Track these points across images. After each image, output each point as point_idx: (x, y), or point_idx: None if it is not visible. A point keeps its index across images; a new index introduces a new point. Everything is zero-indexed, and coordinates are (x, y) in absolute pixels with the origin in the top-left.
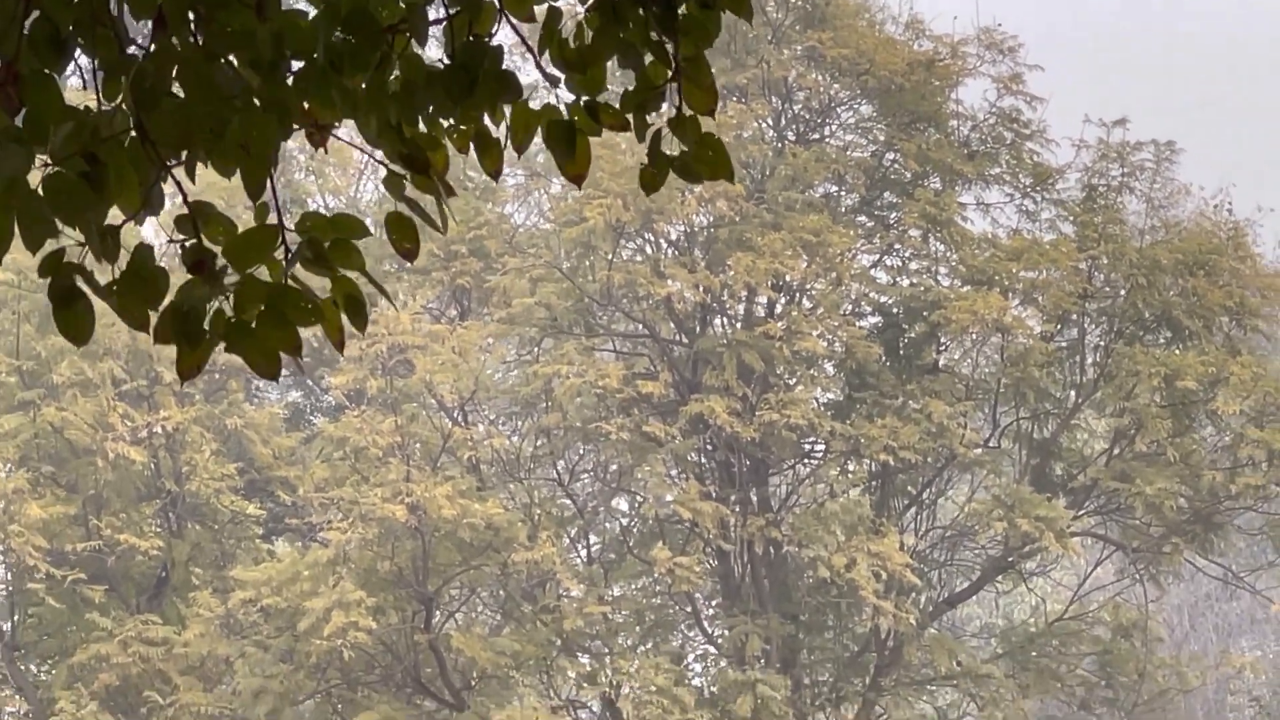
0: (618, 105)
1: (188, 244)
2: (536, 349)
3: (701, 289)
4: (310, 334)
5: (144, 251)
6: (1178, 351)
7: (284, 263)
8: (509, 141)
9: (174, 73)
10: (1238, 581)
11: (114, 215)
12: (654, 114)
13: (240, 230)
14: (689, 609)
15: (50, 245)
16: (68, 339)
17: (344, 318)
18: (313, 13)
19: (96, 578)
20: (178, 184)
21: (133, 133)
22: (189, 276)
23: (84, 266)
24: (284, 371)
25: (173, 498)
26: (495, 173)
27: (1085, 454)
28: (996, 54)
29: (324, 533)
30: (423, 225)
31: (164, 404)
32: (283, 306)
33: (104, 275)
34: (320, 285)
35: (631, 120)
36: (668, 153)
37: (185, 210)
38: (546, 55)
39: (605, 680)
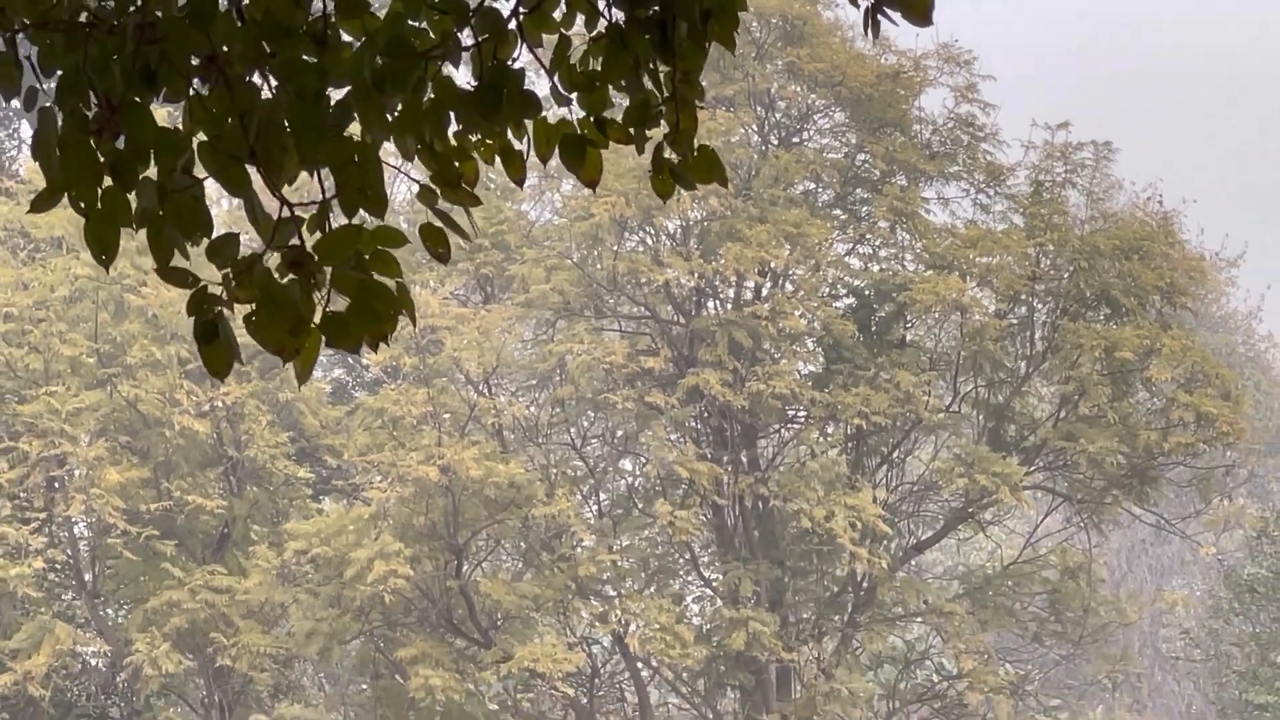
0: (620, 119)
1: (289, 246)
2: (551, 329)
3: (696, 275)
4: None
5: (269, 278)
6: (1116, 326)
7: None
8: (531, 152)
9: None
10: (1169, 528)
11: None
12: (652, 128)
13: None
14: (688, 556)
15: (183, 269)
16: (211, 372)
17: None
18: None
19: (167, 534)
20: (279, 196)
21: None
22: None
23: (223, 300)
24: (328, 352)
25: (233, 463)
26: (520, 181)
27: (1035, 417)
28: (954, 66)
29: (366, 492)
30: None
31: (224, 380)
32: (370, 299)
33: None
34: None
35: (633, 134)
36: (670, 159)
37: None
38: (558, 76)
39: (615, 619)
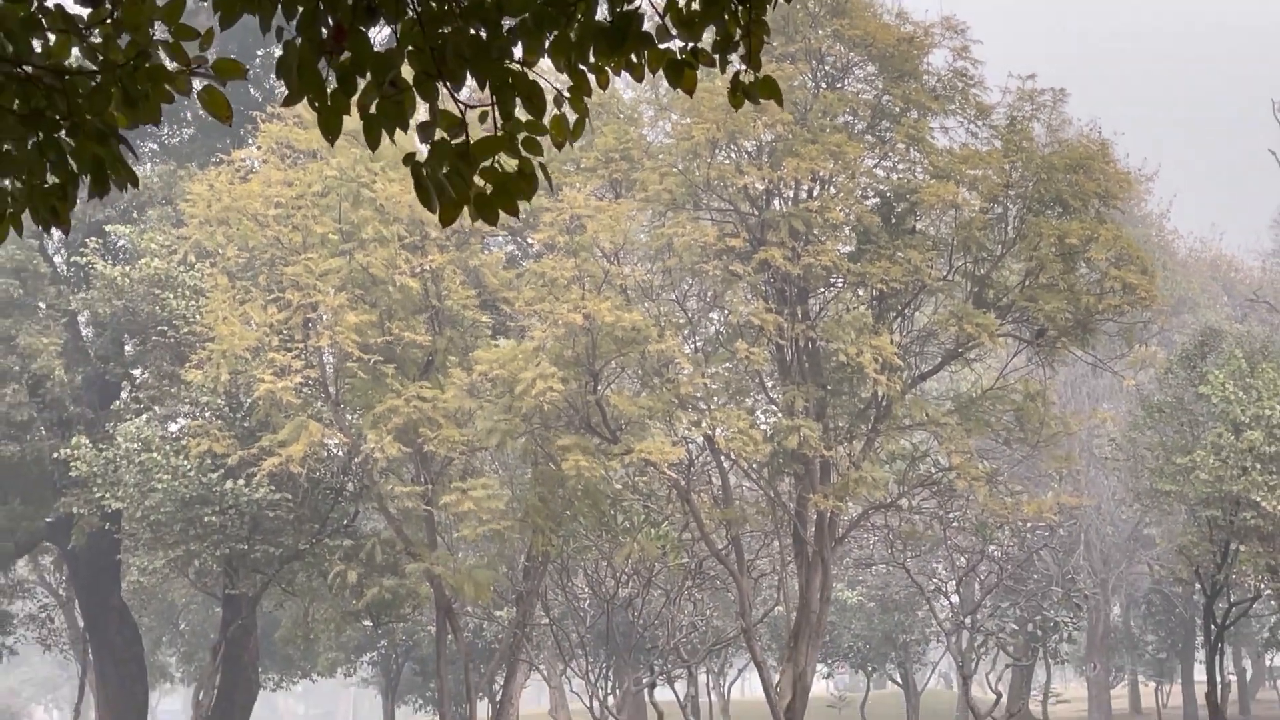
0: (709, 49)
1: (455, 143)
2: (662, 218)
3: (766, 180)
4: (522, 206)
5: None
6: (1066, 221)
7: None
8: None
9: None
10: (1103, 365)
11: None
12: (732, 56)
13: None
14: (758, 381)
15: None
16: (424, 206)
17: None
18: None
19: (388, 360)
20: (457, 101)
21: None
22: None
23: (422, 164)
24: (501, 230)
25: (435, 310)
26: (639, 78)
27: (1007, 284)
28: (953, 33)
29: (530, 332)
30: (592, 132)
31: (430, 251)
32: (509, 184)
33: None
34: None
35: (718, 60)
36: (743, 81)
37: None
38: (667, 17)
39: (706, 425)
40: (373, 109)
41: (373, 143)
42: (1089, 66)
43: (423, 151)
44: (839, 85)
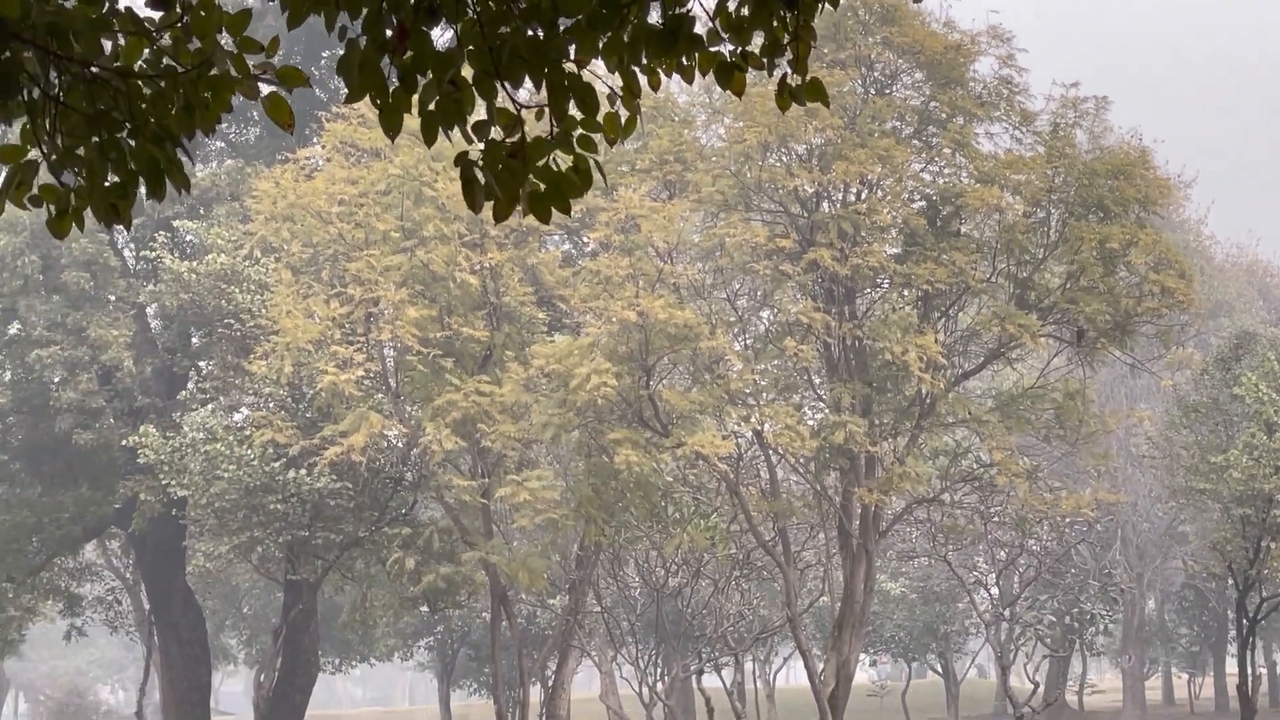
0: (757, 52)
1: (510, 141)
2: (714, 219)
3: (815, 183)
4: (578, 206)
5: (515, 150)
6: (1106, 225)
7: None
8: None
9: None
10: (1141, 366)
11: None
12: (781, 60)
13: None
14: (806, 378)
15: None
16: (468, 205)
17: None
18: None
19: (447, 354)
20: (514, 101)
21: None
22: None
23: (476, 162)
24: (559, 229)
25: (494, 306)
26: (689, 80)
27: (1049, 287)
28: (999, 42)
29: (585, 328)
30: (647, 134)
31: (489, 249)
32: (562, 183)
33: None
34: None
35: (766, 64)
36: (790, 84)
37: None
38: (717, 21)
39: (755, 420)
40: (431, 107)
41: (430, 140)
42: (1130, 80)
43: (476, 151)
44: (887, 91)
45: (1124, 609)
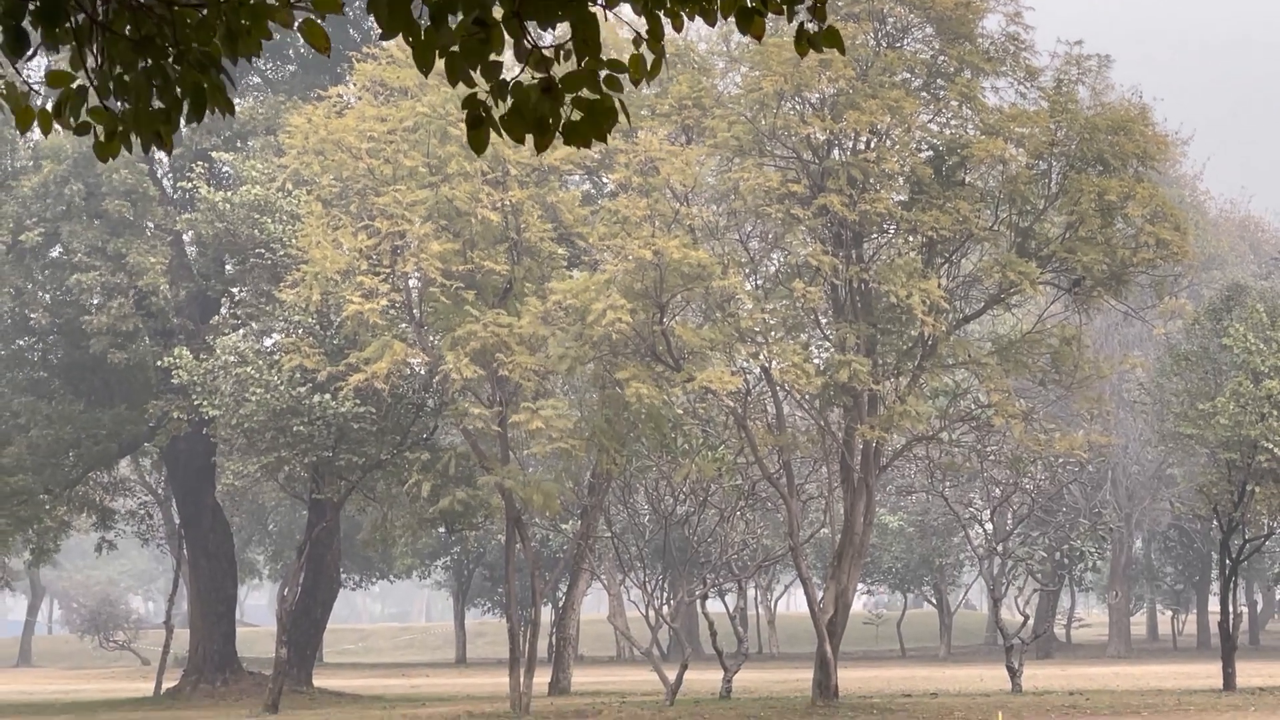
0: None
1: (539, 76)
2: (730, 163)
3: (828, 131)
4: (598, 147)
5: (522, 92)
6: (1105, 179)
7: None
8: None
9: None
10: (1134, 315)
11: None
12: (799, 6)
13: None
14: (813, 318)
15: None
16: (473, 149)
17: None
18: None
19: (469, 286)
20: (532, 43)
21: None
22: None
23: (487, 104)
24: (579, 169)
25: (515, 242)
26: (711, 23)
27: (1049, 236)
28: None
29: (602, 265)
30: (666, 79)
31: (511, 187)
32: (597, 113)
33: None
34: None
35: (785, 9)
36: (808, 30)
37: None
38: None
39: (763, 357)
40: (456, 48)
41: (454, 79)
42: (1132, 38)
43: (483, 93)
44: (898, 45)
45: (1112, 547)
